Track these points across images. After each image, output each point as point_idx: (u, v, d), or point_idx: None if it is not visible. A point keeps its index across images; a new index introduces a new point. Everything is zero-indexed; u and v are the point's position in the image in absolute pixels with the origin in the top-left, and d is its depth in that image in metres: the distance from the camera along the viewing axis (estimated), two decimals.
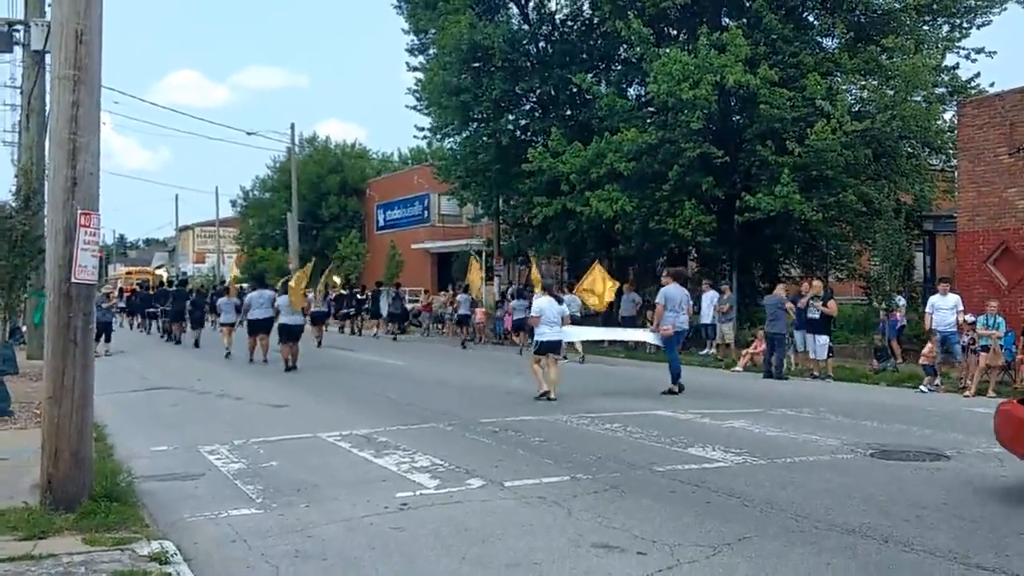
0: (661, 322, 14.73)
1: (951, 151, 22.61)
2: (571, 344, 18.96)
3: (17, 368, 17.14)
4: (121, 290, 45.18)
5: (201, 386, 15.77)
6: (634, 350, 22.00)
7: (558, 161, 23.63)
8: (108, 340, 22.69)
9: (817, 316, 17.29)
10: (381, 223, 50.20)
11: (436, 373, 18.18)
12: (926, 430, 10.87)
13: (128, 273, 71.85)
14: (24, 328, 22.48)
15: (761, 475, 8.22)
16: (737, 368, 18.96)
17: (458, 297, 28.38)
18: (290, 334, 18.93)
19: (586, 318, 22.18)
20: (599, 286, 21.82)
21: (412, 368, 19.31)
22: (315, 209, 50.93)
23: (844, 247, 24.43)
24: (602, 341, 21.82)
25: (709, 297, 21.62)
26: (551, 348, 13.94)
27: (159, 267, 74.96)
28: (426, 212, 45.15)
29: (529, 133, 28.24)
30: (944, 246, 25.61)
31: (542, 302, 14.26)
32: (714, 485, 7.74)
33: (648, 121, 23.49)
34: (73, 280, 6.49)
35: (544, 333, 13.89)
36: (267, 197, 57.06)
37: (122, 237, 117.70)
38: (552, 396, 13.40)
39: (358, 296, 33.19)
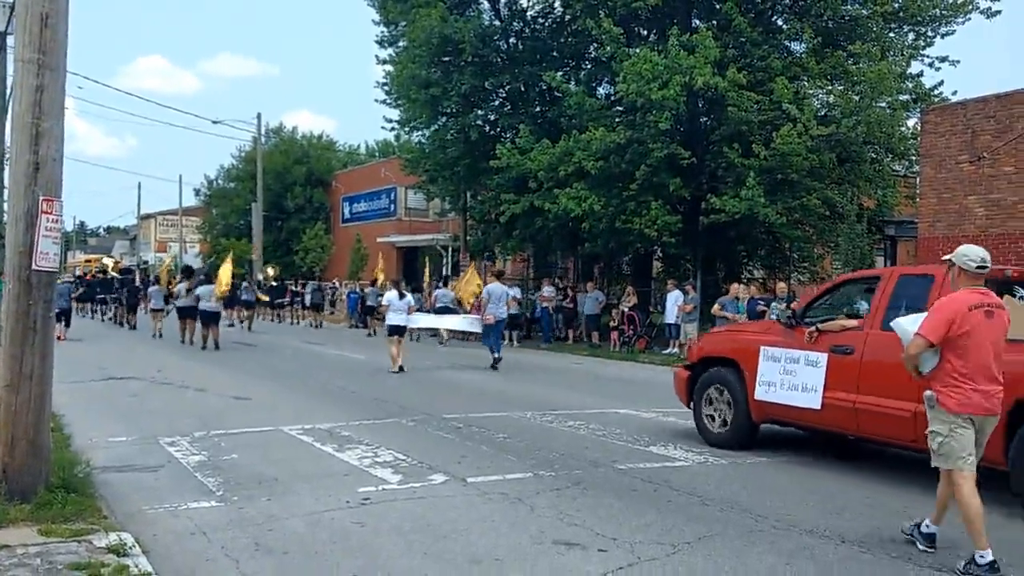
0: (485, 312, 18.39)
1: (913, 157, 22.93)
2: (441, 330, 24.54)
3: None
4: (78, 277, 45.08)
5: (162, 376, 15.59)
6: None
7: (526, 158, 23.63)
8: (67, 325, 23.74)
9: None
10: (347, 215, 49.96)
11: (418, 374, 18.13)
12: None
13: (87, 261, 70.87)
14: None
15: (722, 474, 8.31)
16: None
17: (367, 290, 30.99)
18: (208, 318, 21.94)
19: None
20: (470, 285, 23.97)
21: (374, 362, 19.21)
22: (280, 200, 50.53)
23: (807, 250, 24.70)
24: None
25: (673, 297, 21.73)
26: (397, 331, 17.07)
27: (97, 257, 74.13)
28: (393, 206, 44.98)
29: (498, 129, 28.20)
30: (905, 251, 26.02)
31: (391, 295, 17.60)
32: (675, 484, 7.80)
33: (616, 120, 23.56)
34: (34, 267, 6.37)
35: (392, 319, 17.13)
36: (232, 187, 56.52)
37: (83, 224, 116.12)
38: (401, 368, 16.55)
39: (292, 288, 36.17)
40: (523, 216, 25.11)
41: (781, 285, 18.59)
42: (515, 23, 27.97)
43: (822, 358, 8.50)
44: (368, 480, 7.73)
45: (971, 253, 5.83)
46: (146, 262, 68.03)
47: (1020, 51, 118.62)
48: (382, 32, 29.82)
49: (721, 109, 21.70)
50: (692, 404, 10.13)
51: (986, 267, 5.84)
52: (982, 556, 5.47)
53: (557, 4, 27.11)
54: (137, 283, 33.69)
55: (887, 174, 24.46)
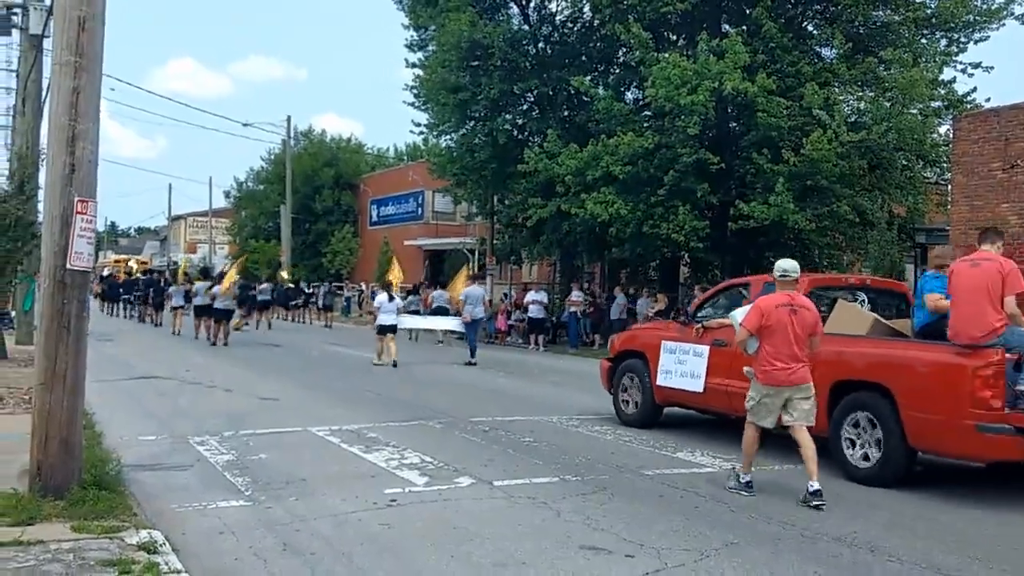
0: (463, 312, 19.93)
1: (945, 164, 22.64)
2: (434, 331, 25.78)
3: (5, 352, 17.09)
4: (103, 276, 46.34)
5: (190, 376, 15.73)
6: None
7: (553, 163, 23.63)
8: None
9: None
10: (374, 218, 50.11)
11: (419, 370, 18.19)
12: None
13: (116, 262, 71.78)
14: (13, 313, 22.40)
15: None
16: None
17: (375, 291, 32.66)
18: (221, 316, 23.40)
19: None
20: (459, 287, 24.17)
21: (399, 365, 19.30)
22: (309, 202, 50.80)
23: (836, 257, 24.46)
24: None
25: None
26: (388, 330, 18.55)
27: (126, 258, 75.64)
28: (420, 209, 45.08)
29: (526, 133, 28.23)
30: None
31: (381, 297, 19.29)
32: (702, 490, 7.77)
33: (645, 125, 23.49)
34: (68, 267, 6.46)
35: (383, 319, 18.59)
36: (261, 189, 56.85)
37: (113, 225, 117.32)
38: (394, 364, 17.86)
39: (306, 290, 38.77)
40: (550, 220, 25.11)
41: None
42: (544, 28, 28.00)
43: (705, 350, 10.23)
44: (395, 482, 7.76)
45: (777, 266, 7.88)
46: (175, 263, 68.64)
47: None
48: (411, 36, 29.95)
49: (751, 114, 21.57)
50: (612, 390, 11.82)
51: (787, 276, 7.79)
52: (743, 477, 7.67)
53: (586, 9, 27.09)
54: (162, 283, 35.05)
55: (918, 181, 24.15)
